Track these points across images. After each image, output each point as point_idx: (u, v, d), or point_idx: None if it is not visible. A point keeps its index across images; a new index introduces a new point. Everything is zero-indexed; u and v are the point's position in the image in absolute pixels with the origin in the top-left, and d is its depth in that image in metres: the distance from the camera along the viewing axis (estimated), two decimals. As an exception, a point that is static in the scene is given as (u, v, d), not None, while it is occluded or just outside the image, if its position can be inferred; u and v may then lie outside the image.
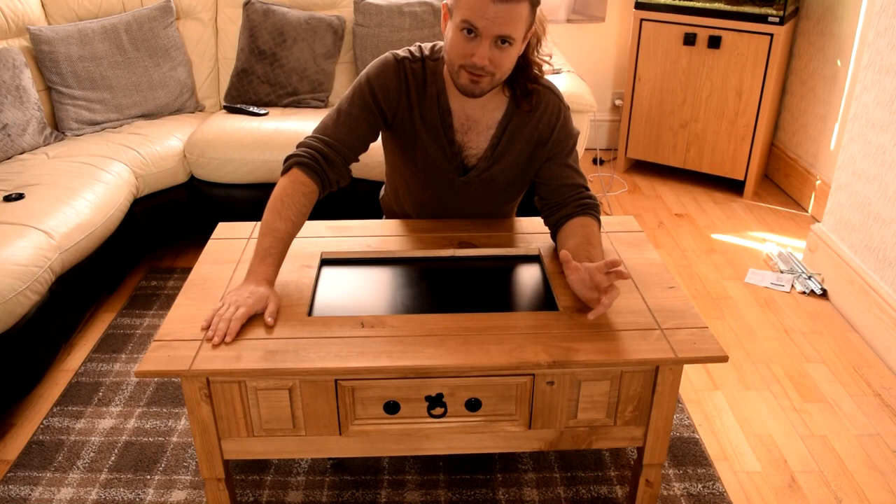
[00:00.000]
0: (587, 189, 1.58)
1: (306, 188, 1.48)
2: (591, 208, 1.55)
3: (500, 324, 1.35)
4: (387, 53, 1.56)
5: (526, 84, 1.53)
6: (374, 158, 2.50)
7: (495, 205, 1.72)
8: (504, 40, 1.38)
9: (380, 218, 1.97)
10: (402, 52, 1.56)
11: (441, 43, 1.56)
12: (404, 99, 1.55)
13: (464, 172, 1.62)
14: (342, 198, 2.61)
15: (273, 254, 1.41)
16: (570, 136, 1.59)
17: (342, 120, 1.54)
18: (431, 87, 1.55)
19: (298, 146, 1.53)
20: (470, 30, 1.37)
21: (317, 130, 1.56)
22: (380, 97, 1.54)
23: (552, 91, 1.58)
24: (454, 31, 1.40)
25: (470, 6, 1.35)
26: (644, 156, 3.50)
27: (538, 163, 1.60)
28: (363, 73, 1.57)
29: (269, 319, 1.34)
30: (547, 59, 1.55)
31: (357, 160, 1.59)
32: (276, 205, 1.45)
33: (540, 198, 1.62)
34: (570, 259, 1.34)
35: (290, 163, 1.50)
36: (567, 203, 1.56)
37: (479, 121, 1.57)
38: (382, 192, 1.90)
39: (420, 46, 1.57)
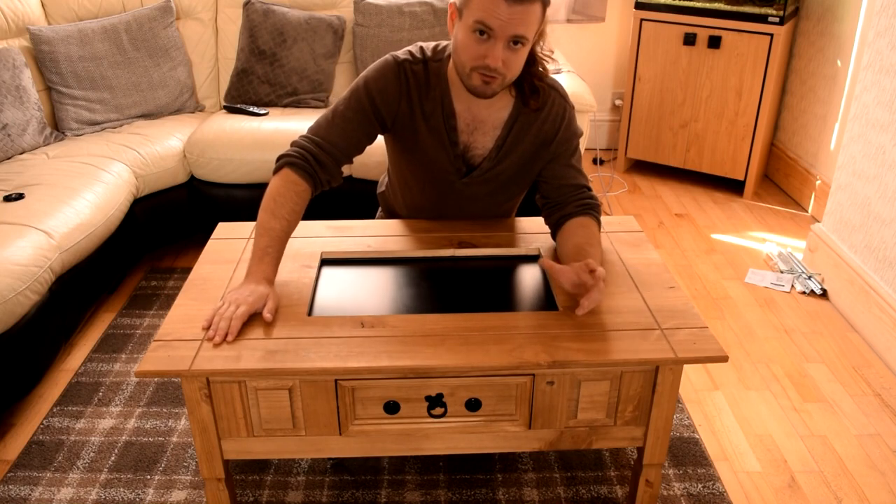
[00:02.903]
0: (589, 189, 1.58)
1: (299, 187, 1.47)
2: (591, 208, 1.55)
3: (500, 324, 1.35)
4: (387, 55, 1.54)
5: (533, 81, 1.51)
6: (372, 158, 2.50)
7: (496, 204, 1.71)
8: (517, 41, 1.37)
9: (375, 211, 1.96)
10: (402, 54, 1.53)
11: (444, 43, 1.54)
12: (405, 102, 1.53)
13: (467, 173, 1.60)
14: (341, 197, 2.61)
15: (271, 253, 1.41)
16: (575, 136, 1.59)
17: (336, 122, 1.53)
18: (435, 89, 1.53)
19: (291, 145, 1.52)
20: (483, 31, 1.35)
21: (310, 130, 1.55)
22: (378, 101, 1.52)
23: (557, 90, 1.57)
24: (465, 32, 1.37)
25: (483, 7, 1.32)
26: (644, 156, 3.50)
27: (542, 162, 1.59)
28: (362, 75, 1.55)
29: (267, 315, 1.34)
30: (549, 54, 1.54)
31: (350, 161, 1.58)
32: (269, 204, 1.45)
33: (542, 196, 1.62)
34: (553, 265, 1.36)
35: (282, 163, 1.50)
36: (568, 202, 1.56)
37: (485, 121, 1.55)
38: (383, 186, 1.88)
39: (422, 47, 1.55)
